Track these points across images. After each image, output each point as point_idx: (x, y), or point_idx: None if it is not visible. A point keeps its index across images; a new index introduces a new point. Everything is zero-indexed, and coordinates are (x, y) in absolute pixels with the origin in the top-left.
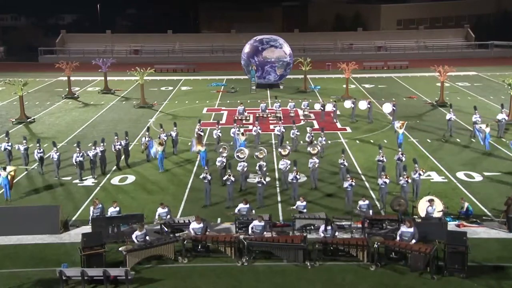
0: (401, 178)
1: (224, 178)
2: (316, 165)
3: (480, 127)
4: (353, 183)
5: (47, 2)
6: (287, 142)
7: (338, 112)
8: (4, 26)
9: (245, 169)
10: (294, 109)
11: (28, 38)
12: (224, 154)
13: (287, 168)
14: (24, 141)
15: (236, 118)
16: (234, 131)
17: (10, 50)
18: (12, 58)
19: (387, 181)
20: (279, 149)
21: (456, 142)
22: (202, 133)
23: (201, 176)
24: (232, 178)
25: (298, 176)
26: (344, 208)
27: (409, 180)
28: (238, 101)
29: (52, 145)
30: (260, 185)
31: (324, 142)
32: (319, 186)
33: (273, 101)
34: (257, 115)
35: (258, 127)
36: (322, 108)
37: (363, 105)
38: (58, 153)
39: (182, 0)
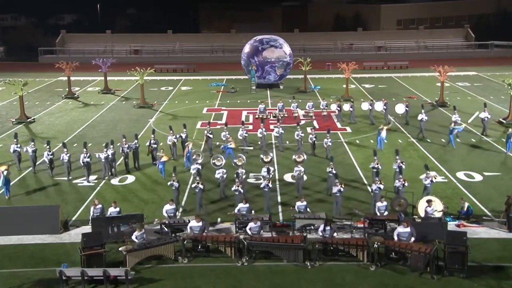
0: (397, 180)
1: (193, 186)
2: (302, 174)
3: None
4: (342, 189)
5: (47, 2)
6: (287, 142)
7: (340, 114)
8: (4, 26)
9: (224, 176)
10: (313, 109)
11: (28, 38)
12: (199, 161)
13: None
14: (32, 143)
15: (257, 117)
16: (241, 133)
17: (10, 50)
18: (12, 58)
19: (382, 186)
20: (261, 155)
21: (456, 142)
22: (211, 136)
23: (168, 183)
24: (201, 186)
25: (270, 185)
26: (331, 215)
27: (406, 184)
28: (259, 101)
29: (62, 147)
30: (237, 193)
31: (330, 144)
32: (305, 193)
33: (273, 101)
34: (274, 114)
35: (264, 129)
36: (338, 109)
37: (379, 106)
38: (68, 155)
39: (182, 0)
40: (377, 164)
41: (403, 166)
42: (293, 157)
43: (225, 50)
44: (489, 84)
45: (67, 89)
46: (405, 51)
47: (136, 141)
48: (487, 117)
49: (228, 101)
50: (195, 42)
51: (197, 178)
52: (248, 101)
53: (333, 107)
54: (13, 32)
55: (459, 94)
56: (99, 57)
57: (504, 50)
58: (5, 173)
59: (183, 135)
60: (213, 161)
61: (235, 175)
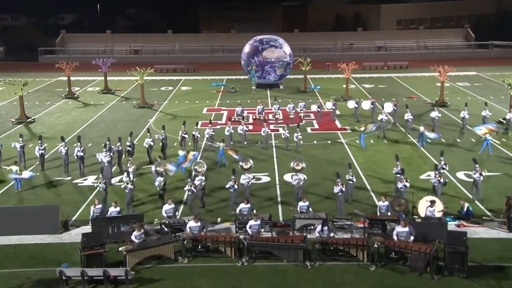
0: (433, 177)
1: (122, 187)
2: (301, 183)
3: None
4: (344, 189)
5: (47, 2)
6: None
7: (337, 112)
8: (4, 26)
9: (162, 184)
10: (293, 110)
11: (28, 38)
12: (130, 170)
13: (249, 184)
14: (20, 139)
15: (234, 119)
16: (208, 132)
17: (10, 50)
18: (12, 58)
19: (407, 184)
20: (240, 163)
21: (456, 142)
22: (186, 136)
23: (122, 186)
24: (130, 186)
25: (235, 186)
26: (335, 215)
27: (441, 180)
28: (238, 101)
29: (61, 141)
30: (190, 193)
31: (300, 137)
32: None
33: (271, 102)
34: (257, 116)
35: (231, 127)
36: (319, 109)
37: (366, 105)
38: (66, 148)
39: (182, 0)
40: (400, 169)
41: (447, 167)
42: (292, 165)
43: (225, 50)
44: (489, 84)
45: (67, 89)
46: (405, 51)
47: (119, 143)
48: (438, 116)
49: (228, 101)
50: (195, 42)
51: (127, 179)
52: (248, 101)
53: (314, 107)
54: (13, 32)
55: (459, 94)
56: (99, 57)
57: (504, 50)
58: (14, 170)
59: (161, 137)
60: (156, 169)
61: (189, 177)
